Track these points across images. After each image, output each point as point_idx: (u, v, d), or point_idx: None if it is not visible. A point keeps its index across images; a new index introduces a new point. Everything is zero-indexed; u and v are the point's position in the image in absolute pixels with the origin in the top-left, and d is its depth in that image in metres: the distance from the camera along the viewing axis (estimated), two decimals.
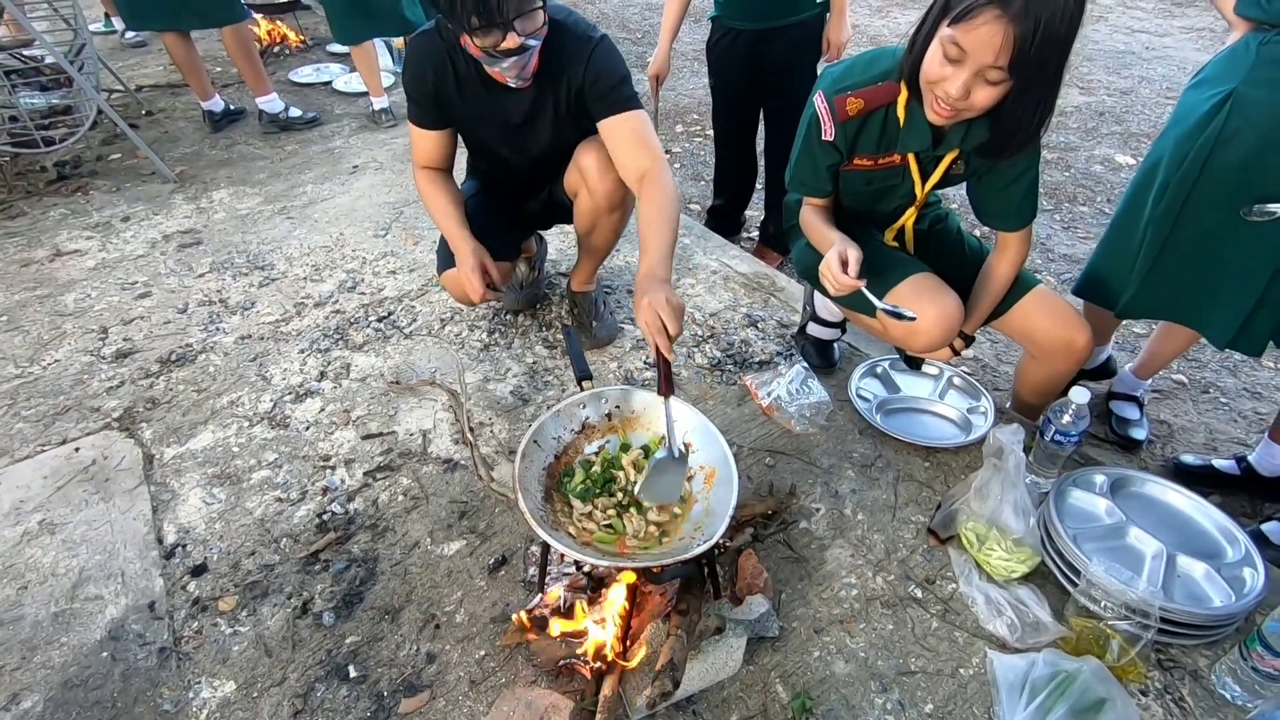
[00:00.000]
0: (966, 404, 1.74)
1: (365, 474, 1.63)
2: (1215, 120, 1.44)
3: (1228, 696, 1.18)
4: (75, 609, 1.36)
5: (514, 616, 1.26)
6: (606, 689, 1.12)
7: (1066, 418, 1.38)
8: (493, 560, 1.42)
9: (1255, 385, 2.21)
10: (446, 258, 1.78)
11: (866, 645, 1.27)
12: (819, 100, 1.35)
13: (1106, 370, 2.05)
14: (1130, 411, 2.00)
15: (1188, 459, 1.88)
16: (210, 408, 1.83)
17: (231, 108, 3.51)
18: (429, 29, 1.60)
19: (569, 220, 2.01)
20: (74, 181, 2.96)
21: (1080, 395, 1.36)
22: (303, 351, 2.01)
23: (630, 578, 1.18)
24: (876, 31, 5.23)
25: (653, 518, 1.25)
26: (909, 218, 1.52)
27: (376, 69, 3.31)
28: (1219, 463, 1.84)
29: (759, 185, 2.90)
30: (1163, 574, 1.26)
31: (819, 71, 2.23)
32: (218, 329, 2.11)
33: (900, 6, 5.88)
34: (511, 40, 1.37)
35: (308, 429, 1.76)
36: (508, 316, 2.12)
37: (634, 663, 1.15)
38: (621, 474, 1.30)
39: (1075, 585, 1.28)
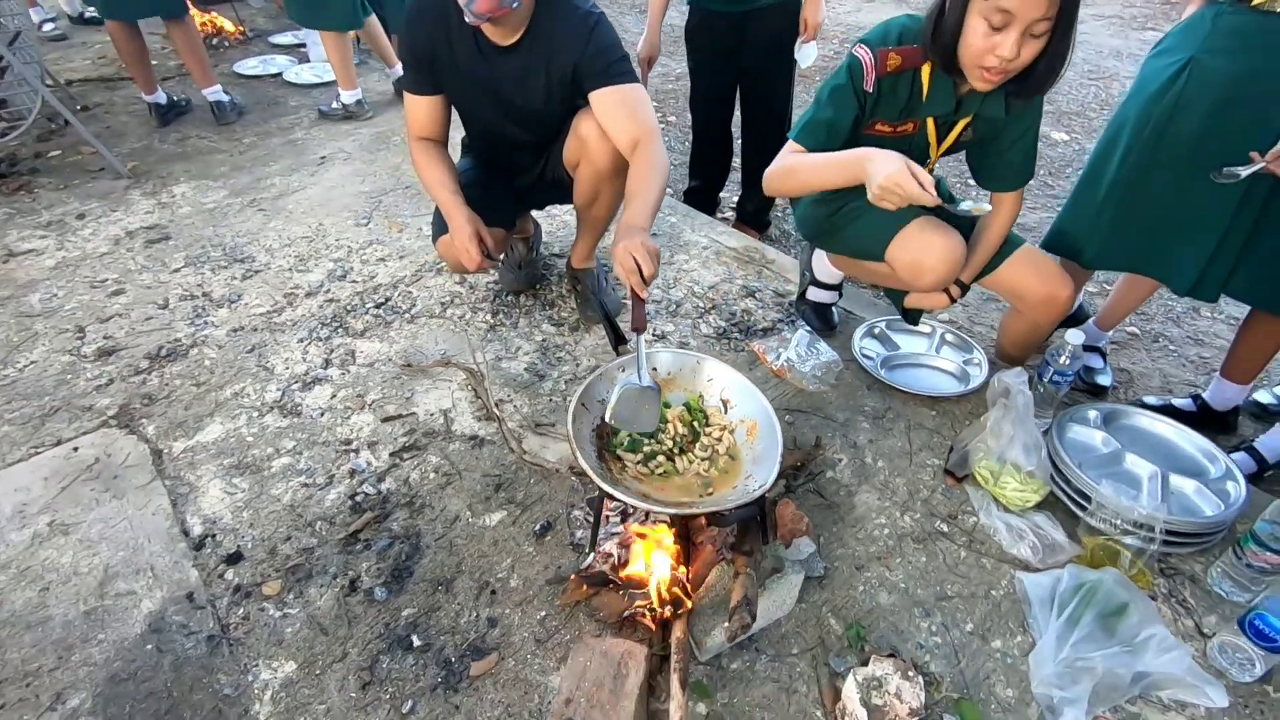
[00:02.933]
0: (961, 357, 1.86)
1: (391, 454, 1.62)
2: (1175, 86, 1.58)
3: (1223, 594, 1.32)
4: (107, 605, 1.31)
5: (572, 575, 1.29)
6: (678, 631, 1.16)
7: (1064, 358, 1.50)
8: (538, 526, 1.44)
9: (1197, 333, 2.43)
10: (441, 226, 1.78)
11: (904, 577, 1.36)
12: (863, 51, 1.41)
13: (1078, 318, 2.22)
14: (1095, 360, 2.16)
15: (1150, 400, 2.05)
16: (214, 400, 1.77)
17: (177, 100, 3.36)
18: None
19: (564, 200, 2.04)
20: (13, 180, 2.78)
21: (1076, 337, 1.49)
22: (302, 341, 1.97)
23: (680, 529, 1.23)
24: (862, 21, 5.41)
25: (700, 455, 1.30)
26: None
27: (350, 60, 3.22)
28: (1177, 401, 2.02)
29: (734, 165, 2.97)
30: (1160, 492, 1.40)
31: (796, 51, 2.32)
32: (205, 323, 2.04)
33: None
34: None
35: (322, 415, 1.73)
36: (509, 298, 2.13)
37: (701, 603, 1.20)
38: (669, 425, 1.35)
39: (1084, 509, 1.40)
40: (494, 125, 1.77)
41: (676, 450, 1.32)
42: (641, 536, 1.27)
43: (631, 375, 1.29)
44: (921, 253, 1.48)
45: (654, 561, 1.24)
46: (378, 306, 2.10)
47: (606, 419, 1.27)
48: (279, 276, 2.25)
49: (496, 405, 1.72)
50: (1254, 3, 1.45)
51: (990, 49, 1.24)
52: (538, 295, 2.15)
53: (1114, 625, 1.19)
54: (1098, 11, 5.95)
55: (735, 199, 2.97)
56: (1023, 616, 1.29)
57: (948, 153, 1.54)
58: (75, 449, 1.63)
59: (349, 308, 2.10)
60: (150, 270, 2.27)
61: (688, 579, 1.23)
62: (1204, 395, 1.99)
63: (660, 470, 1.29)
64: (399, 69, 3.48)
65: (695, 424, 1.36)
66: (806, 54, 2.36)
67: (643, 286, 1.29)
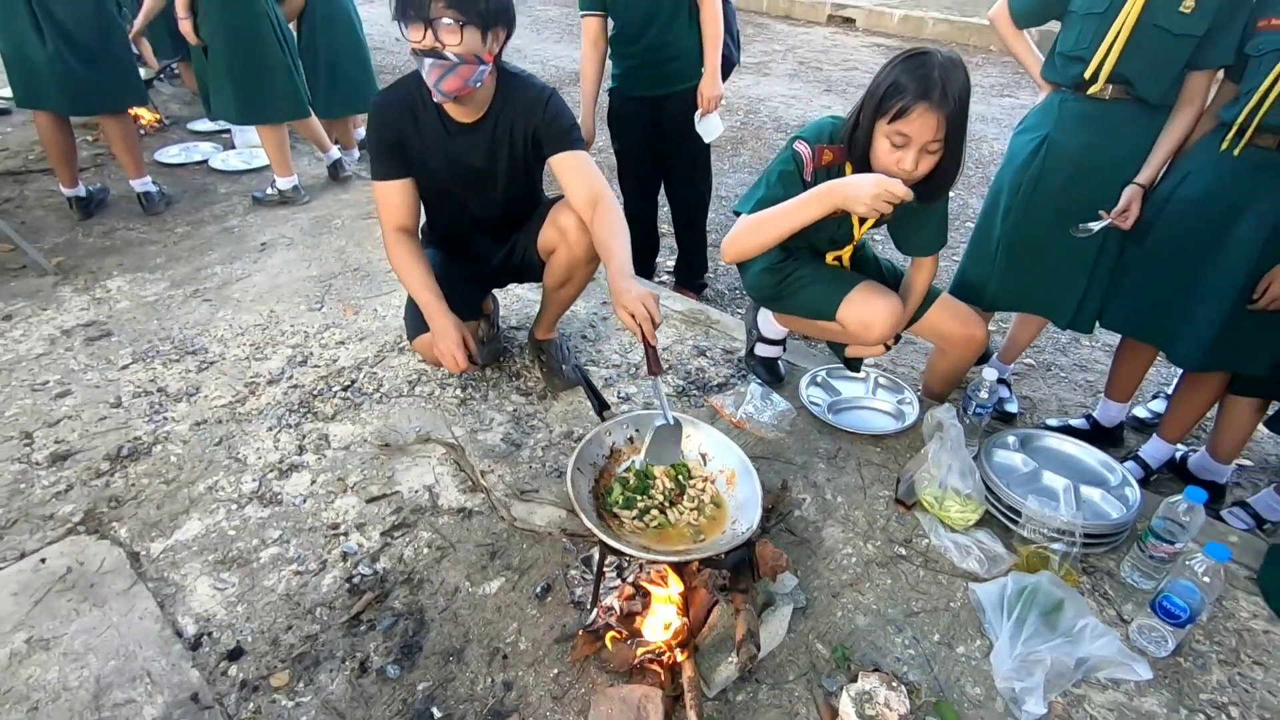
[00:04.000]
0: (895, 398, 2.09)
1: (382, 534, 1.66)
2: (1036, 158, 1.92)
3: (1134, 584, 1.55)
4: (106, 717, 1.28)
5: (579, 631, 1.38)
6: (688, 671, 1.27)
7: (984, 393, 1.75)
8: (538, 589, 1.52)
9: (1081, 361, 2.80)
10: (417, 322, 1.87)
11: (875, 599, 1.52)
12: (803, 147, 1.66)
13: (985, 356, 2.52)
14: (1003, 391, 2.47)
15: (1051, 422, 2.36)
16: (187, 496, 1.76)
17: (94, 191, 3.29)
18: (390, 85, 1.76)
19: (527, 280, 2.18)
20: None
21: (991, 374, 1.74)
22: (271, 429, 1.98)
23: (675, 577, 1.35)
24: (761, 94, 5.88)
25: (689, 505, 1.44)
26: (846, 252, 1.86)
27: (286, 148, 3.27)
28: (1074, 422, 2.33)
29: (664, 230, 3.20)
30: (1074, 501, 1.64)
31: (696, 122, 2.54)
32: (165, 419, 2.02)
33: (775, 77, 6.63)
34: (428, 40, 1.54)
35: (304, 501, 1.75)
36: (475, 372, 2.22)
37: (704, 643, 1.31)
38: (656, 481, 1.47)
39: (1015, 522, 1.62)
40: (460, 205, 1.90)
41: (667, 503, 1.45)
42: (646, 590, 1.38)
43: (656, 418, 1.46)
44: (870, 314, 1.72)
45: (658, 609, 1.35)
46: (345, 389, 2.14)
47: (641, 462, 1.42)
48: (236, 366, 2.25)
49: (481, 475, 1.80)
50: (1089, 92, 1.80)
51: (894, 162, 1.52)
52: (503, 368, 2.25)
53: (1054, 620, 1.39)
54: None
55: (669, 264, 3.20)
56: (979, 623, 1.47)
57: (875, 227, 1.80)
58: (43, 560, 1.58)
59: (315, 392, 2.13)
60: (95, 369, 2.22)
61: (689, 622, 1.34)
62: (1094, 414, 2.30)
63: (655, 524, 1.41)
64: (334, 152, 3.57)
65: (680, 478, 1.50)
66: (709, 127, 2.55)
67: (654, 334, 1.43)
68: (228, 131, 4.18)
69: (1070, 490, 1.67)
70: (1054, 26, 1.94)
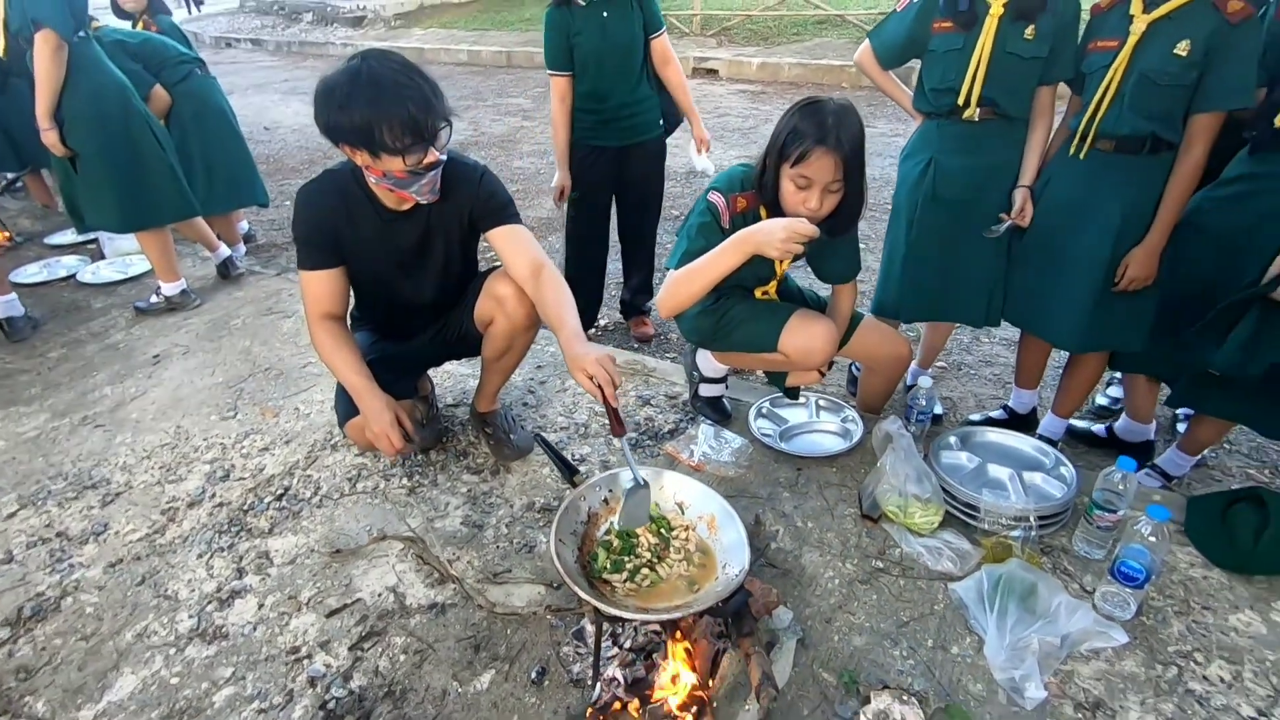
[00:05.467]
0: (839, 417, 2.18)
1: (350, 649, 1.53)
2: (926, 179, 2.10)
3: (1087, 556, 1.67)
4: None
5: (587, 710, 1.32)
6: None
7: (923, 400, 1.85)
8: (533, 675, 1.44)
9: (985, 357, 3.02)
10: (348, 406, 1.78)
11: (866, 617, 1.55)
12: (717, 198, 1.74)
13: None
14: None
15: (974, 417, 2.52)
16: (114, 649, 1.56)
17: None
18: (316, 177, 1.71)
19: (464, 355, 2.14)
20: None
21: (926, 382, 1.85)
22: (201, 555, 1.80)
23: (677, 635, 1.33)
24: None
25: (677, 557, 1.43)
26: (772, 286, 1.95)
27: (171, 251, 3.07)
28: (993, 414, 2.51)
29: (614, 260, 3.23)
30: (1022, 489, 1.75)
31: (693, 160, 2.73)
32: (71, 566, 1.80)
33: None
34: (432, 155, 1.54)
35: (254, 629, 1.59)
36: (419, 457, 2.12)
37: (719, 693, 1.29)
38: (640, 539, 1.45)
39: (974, 517, 1.71)
40: (395, 290, 1.85)
41: (655, 559, 1.43)
42: (648, 652, 1.34)
43: (625, 478, 1.45)
44: (809, 340, 1.80)
45: (665, 668, 1.32)
46: (278, 499, 1.99)
47: (617, 526, 1.39)
48: (147, 493, 2.04)
49: (448, 565, 1.71)
50: (964, 116, 2.00)
51: (801, 203, 1.64)
52: (447, 448, 2.16)
53: (1032, 604, 1.47)
54: None
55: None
56: (965, 620, 1.52)
57: (794, 261, 1.90)
58: None
59: (245, 507, 1.96)
60: None
61: (698, 676, 1.32)
62: (1009, 404, 2.49)
63: (648, 582, 1.38)
64: (223, 250, 3.38)
65: (662, 531, 1.48)
66: (704, 163, 2.85)
67: (614, 395, 1.42)
68: (93, 241, 3.88)
69: (1015, 478, 1.78)
70: (915, 63, 2.16)
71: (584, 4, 2.47)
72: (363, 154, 1.51)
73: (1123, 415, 2.30)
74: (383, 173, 1.54)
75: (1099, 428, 2.38)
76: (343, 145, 1.52)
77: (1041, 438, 2.26)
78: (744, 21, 9.79)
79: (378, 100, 1.43)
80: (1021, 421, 2.45)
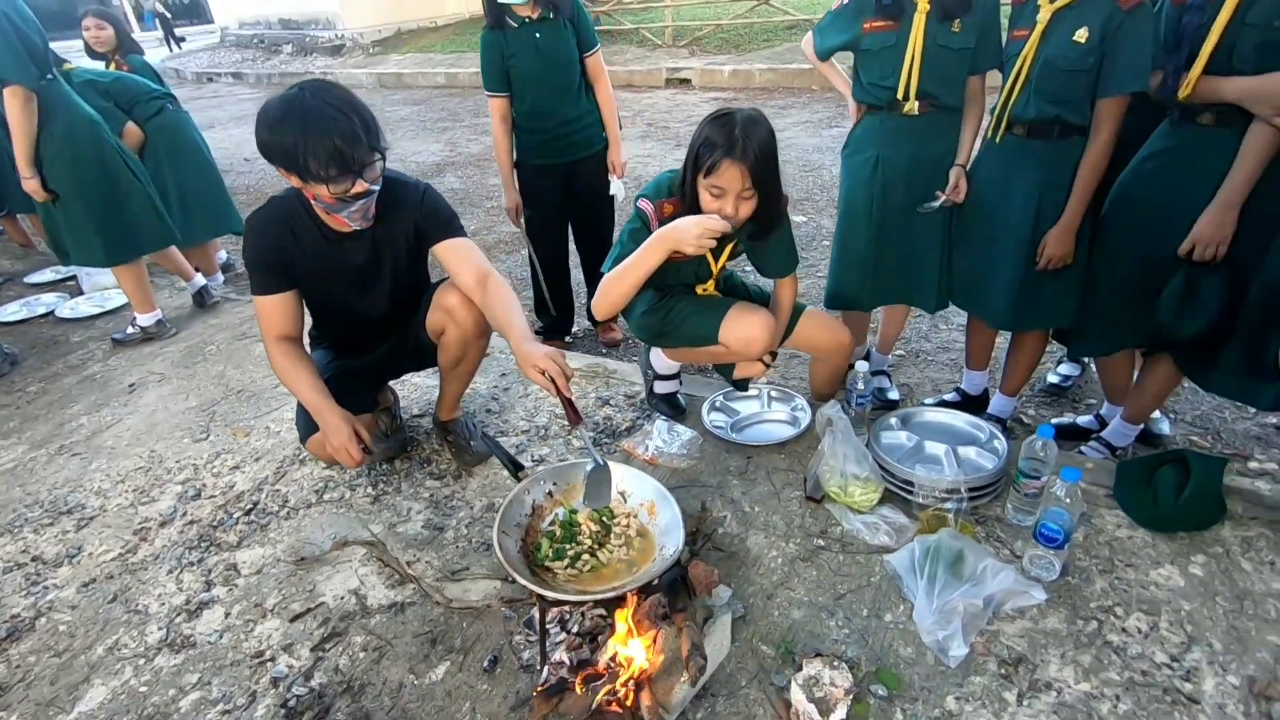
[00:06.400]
0: (789, 407, 2.25)
1: (312, 650, 1.59)
2: (875, 173, 2.17)
3: (1017, 523, 1.73)
4: None
5: (534, 691, 1.38)
6: (646, 699, 1.30)
7: (861, 384, 1.93)
8: (485, 663, 1.51)
9: (941, 344, 3.10)
10: (308, 423, 1.85)
11: (805, 592, 1.62)
12: (646, 204, 1.83)
13: (867, 357, 2.75)
14: (884, 382, 2.69)
15: (929, 401, 2.59)
16: (85, 663, 1.62)
17: None
18: (264, 204, 1.78)
19: (421, 367, 2.21)
20: None
21: (863, 367, 1.93)
22: (172, 571, 1.87)
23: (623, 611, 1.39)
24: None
25: (617, 543, 1.49)
26: (710, 284, 2.03)
27: (146, 282, 3.15)
28: (947, 397, 2.58)
29: (576, 272, 3.31)
30: (955, 463, 1.82)
31: (610, 186, 2.79)
32: (45, 588, 1.86)
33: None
34: (360, 186, 1.61)
35: (221, 637, 1.65)
36: (384, 466, 2.19)
37: (655, 670, 1.35)
38: (582, 527, 1.52)
39: (910, 492, 1.78)
40: (348, 308, 1.92)
41: (596, 545, 1.49)
42: (593, 634, 1.41)
43: (586, 464, 1.54)
44: (747, 330, 1.88)
45: (606, 648, 1.38)
46: (247, 514, 2.05)
47: (581, 506, 1.49)
48: (120, 516, 2.10)
49: (408, 565, 1.77)
50: (903, 110, 2.08)
51: (718, 210, 1.72)
52: (412, 457, 2.23)
53: (959, 570, 1.53)
54: (794, 119, 7.42)
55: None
56: (899, 589, 1.59)
57: (731, 259, 1.98)
58: None
59: (214, 524, 2.03)
60: None
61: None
62: (962, 386, 2.56)
63: (589, 567, 1.45)
64: (198, 279, 3.46)
65: (604, 519, 1.55)
66: (618, 188, 2.92)
67: (568, 386, 1.49)
68: (71, 279, 3.96)
69: (950, 454, 1.85)
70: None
71: (516, 25, 2.55)
72: (294, 177, 1.59)
73: (1111, 412, 2.32)
74: (313, 196, 1.62)
75: (1085, 419, 2.42)
76: (278, 167, 1.59)
77: (989, 417, 2.33)
78: (715, 31, 9.95)
79: (305, 130, 1.51)
80: (973, 402, 2.52)
